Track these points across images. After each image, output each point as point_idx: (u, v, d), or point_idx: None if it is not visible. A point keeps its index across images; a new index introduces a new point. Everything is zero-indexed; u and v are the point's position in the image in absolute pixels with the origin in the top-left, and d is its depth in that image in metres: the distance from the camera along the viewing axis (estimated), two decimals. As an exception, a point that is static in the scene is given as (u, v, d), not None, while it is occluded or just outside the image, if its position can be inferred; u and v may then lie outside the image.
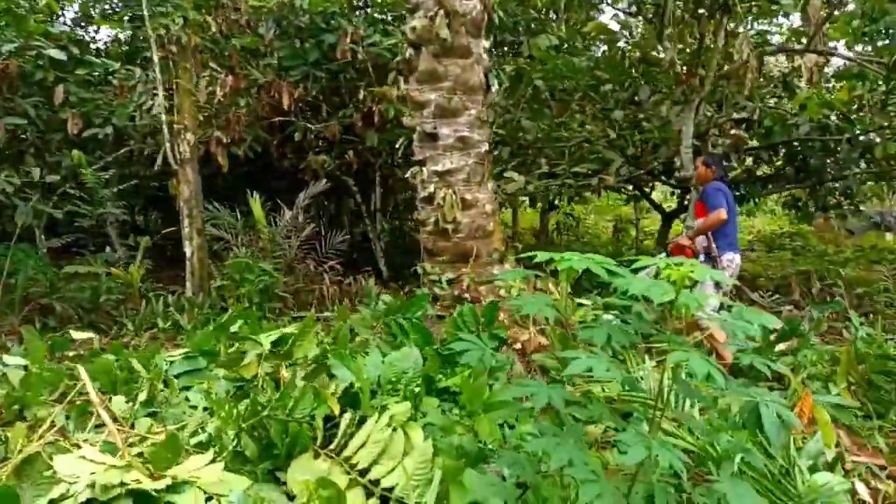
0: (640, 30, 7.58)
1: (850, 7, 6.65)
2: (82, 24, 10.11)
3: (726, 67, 5.75)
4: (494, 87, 4.06)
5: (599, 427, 3.03)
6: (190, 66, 6.05)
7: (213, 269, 6.76)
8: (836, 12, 4.76)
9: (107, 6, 9.87)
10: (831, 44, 6.09)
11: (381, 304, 3.74)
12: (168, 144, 5.86)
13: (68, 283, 6.51)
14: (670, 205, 10.25)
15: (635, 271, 1.62)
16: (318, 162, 8.79)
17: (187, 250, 5.98)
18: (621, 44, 6.99)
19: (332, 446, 2.27)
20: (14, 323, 5.53)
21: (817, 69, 4.76)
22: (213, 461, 2.01)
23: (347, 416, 2.32)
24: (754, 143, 8.21)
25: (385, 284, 8.29)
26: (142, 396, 3.29)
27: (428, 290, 4.07)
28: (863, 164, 8.68)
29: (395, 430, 2.19)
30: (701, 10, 4.72)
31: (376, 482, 2.07)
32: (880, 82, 7.75)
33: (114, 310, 6.23)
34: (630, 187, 9.21)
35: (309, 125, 8.02)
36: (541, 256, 1.78)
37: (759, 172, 9.21)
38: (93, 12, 9.69)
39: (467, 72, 3.93)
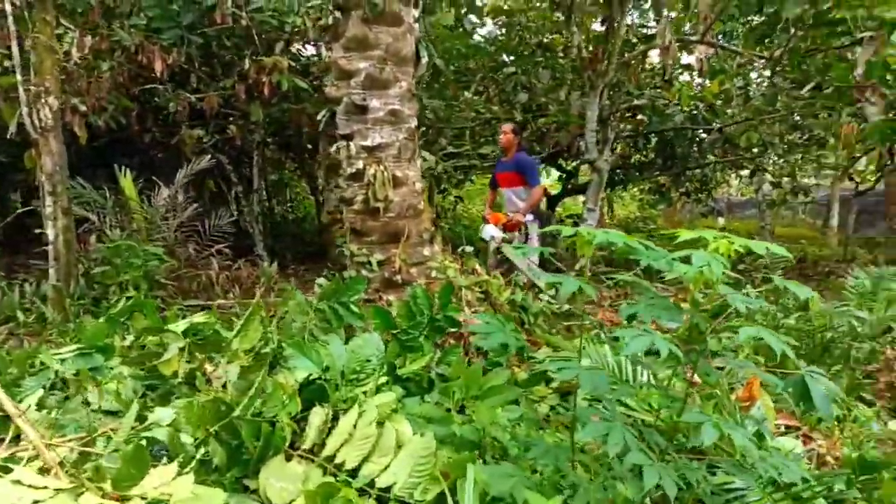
0: (532, 14, 7.71)
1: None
2: None
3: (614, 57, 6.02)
4: (424, 59, 3.87)
5: (545, 406, 3.02)
6: (50, 19, 5.17)
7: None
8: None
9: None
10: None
11: (317, 288, 3.44)
12: (26, 110, 4.98)
13: None
14: (555, 189, 10.64)
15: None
16: (193, 137, 8.02)
17: (50, 232, 5.15)
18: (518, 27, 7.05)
19: (305, 446, 2.02)
20: None
21: (706, 60, 5.09)
22: (178, 473, 1.69)
23: (320, 411, 2.07)
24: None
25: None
26: (30, 400, 2.79)
27: (355, 273, 3.83)
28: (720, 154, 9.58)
29: (381, 423, 1.99)
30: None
31: (371, 482, 1.86)
32: (740, 77, 8.60)
33: (-46, 302, 5.26)
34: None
35: (187, 95, 7.27)
36: (565, 232, 1.68)
37: (632, 160, 9.83)
38: None
39: (399, 41, 3.70)
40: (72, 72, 7.12)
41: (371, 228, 3.81)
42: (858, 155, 11.57)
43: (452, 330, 3.36)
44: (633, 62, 6.06)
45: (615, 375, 2.67)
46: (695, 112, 8.20)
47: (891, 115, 6.86)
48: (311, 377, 2.33)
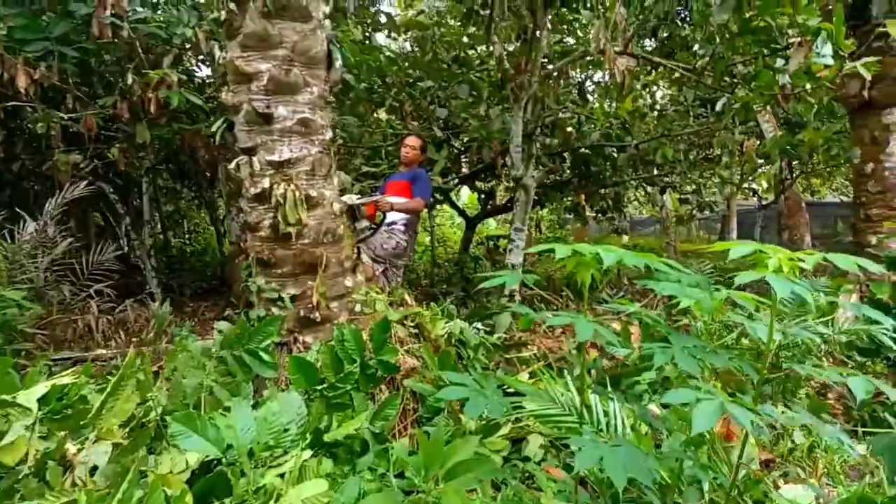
0: (443, 28, 7.39)
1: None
2: None
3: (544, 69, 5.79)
4: (339, 63, 3.37)
5: (497, 458, 2.56)
6: None
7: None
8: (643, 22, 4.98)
9: None
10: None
11: (216, 334, 2.79)
12: None
13: None
14: (474, 211, 10.31)
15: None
16: (68, 162, 7.06)
17: None
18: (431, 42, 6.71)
19: (200, 567, 1.43)
20: None
21: (629, 73, 4.91)
22: None
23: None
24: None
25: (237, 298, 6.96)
26: None
27: (264, 312, 3.21)
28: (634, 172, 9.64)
29: (309, 525, 1.44)
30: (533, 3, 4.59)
31: None
32: (648, 95, 8.70)
33: None
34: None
35: (60, 115, 6.36)
36: (560, 250, 1.24)
37: (547, 179, 9.71)
38: None
39: (308, 39, 3.18)
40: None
41: (282, 258, 3.22)
42: (751, 172, 12.16)
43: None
44: (553, 76, 5.84)
45: (577, 420, 2.24)
46: (609, 130, 8.16)
47: (785, 130, 7.09)
48: (208, 459, 1.74)
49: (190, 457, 1.85)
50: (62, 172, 6.93)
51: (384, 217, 4.44)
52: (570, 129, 5.74)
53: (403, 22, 6.57)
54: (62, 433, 2.26)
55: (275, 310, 3.23)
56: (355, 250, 3.58)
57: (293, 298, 3.23)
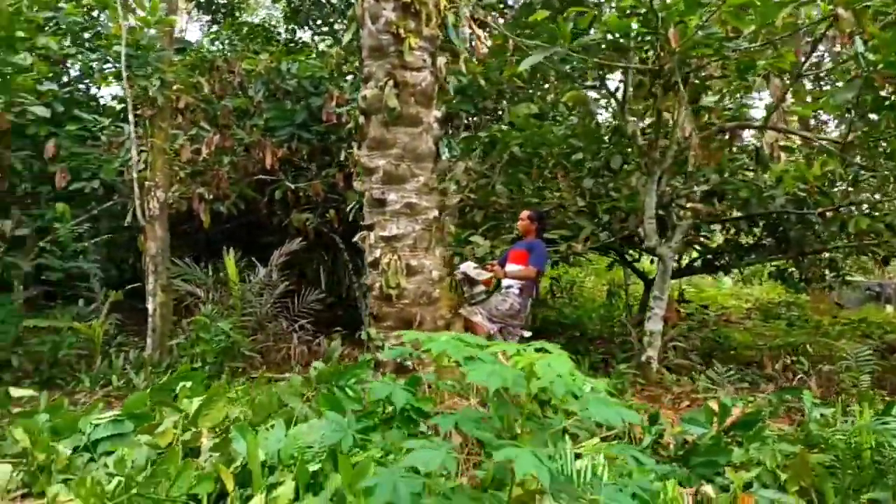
0: (612, 102, 7.72)
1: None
2: (86, 80, 10.41)
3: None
4: (445, 156, 4.11)
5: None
6: (166, 125, 6.21)
7: (182, 325, 6.71)
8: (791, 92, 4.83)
9: (108, 65, 10.17)
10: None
11: (312, 370, 3.66)
12: (137, 201, 5.94)
13: (33, 337, 6.45)
14: (651, 272, 10.15)
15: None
16: (301, 219, 8.87)
17: (150, 306, 5.97)
18: (601, 115, 7.11)
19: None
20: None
21: (777, 146, 4.79)
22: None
23: (233, 494, 2.22)
24: (735, 213, 8.25)
25: (364, 345, 8.20)
26: (61, 462, 3.20)
27: (372, 356, 4.01)
28: (843, 238, 8.63)
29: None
30: (655, 88, 4.82)
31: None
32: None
33: (77, 364, 6.14)
34: (612, 253, 9.19)
35: (290, 184, 8.14)
36: (407, 336, 1.75)
37: (741, 242, 9.16)
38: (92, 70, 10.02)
39: (416, 140, 3.98)
40: (201, 166, 8.27)
41: (386, 314, 4.00)
42: None
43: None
44: (712, 145, 5.83)
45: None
46: (803, 195, 7.56)
47: None
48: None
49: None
50: (297, 227, 8.76)
51: (499, 282, 4.97)
52: (690, 204, 5.60)
53: (570, 97, 7.08)
54: (200, 427, 3.27)
55: (379, 355, 3.99)
56: (451, 311, 4.20)
57: (392, 348, 3.96)
